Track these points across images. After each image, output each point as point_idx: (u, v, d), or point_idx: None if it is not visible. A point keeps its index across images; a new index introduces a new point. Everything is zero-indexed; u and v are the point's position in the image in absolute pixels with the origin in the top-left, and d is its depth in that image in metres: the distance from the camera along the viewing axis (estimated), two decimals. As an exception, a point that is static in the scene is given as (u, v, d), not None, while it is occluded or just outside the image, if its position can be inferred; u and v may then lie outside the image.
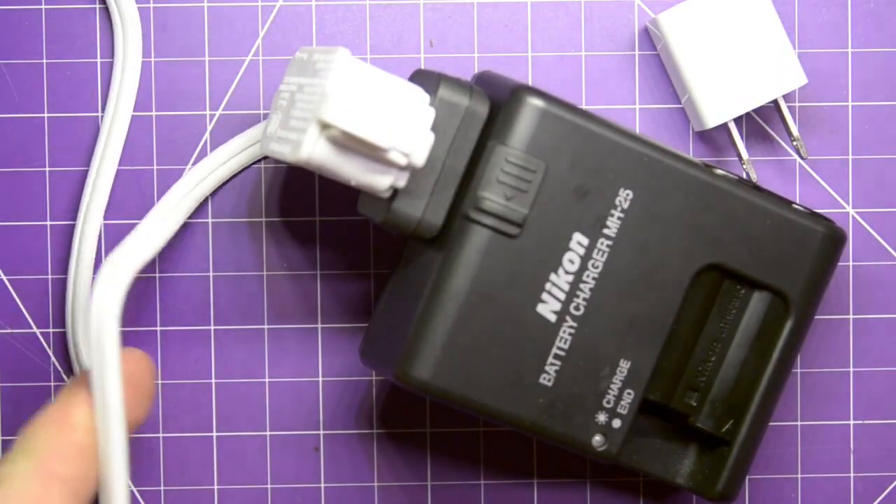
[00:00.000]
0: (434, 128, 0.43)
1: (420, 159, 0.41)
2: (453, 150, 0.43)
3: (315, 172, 0.41)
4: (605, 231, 0.44)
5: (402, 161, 0.41)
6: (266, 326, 0.49)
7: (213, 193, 0.49)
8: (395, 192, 0.43)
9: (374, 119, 0.40)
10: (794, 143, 0.49)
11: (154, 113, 0.49)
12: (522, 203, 0.43)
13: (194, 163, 0.49)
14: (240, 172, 0.49)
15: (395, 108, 0.41)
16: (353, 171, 0.41)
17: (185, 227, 0.49)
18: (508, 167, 0.43)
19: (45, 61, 0.49)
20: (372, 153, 0.40)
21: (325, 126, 0.40)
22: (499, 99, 0.44)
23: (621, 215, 0.44)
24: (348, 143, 0.40)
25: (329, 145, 0.41)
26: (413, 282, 0.45)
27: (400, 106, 0.41)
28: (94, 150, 0.49)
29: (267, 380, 0.50)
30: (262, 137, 0.45)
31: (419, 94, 0.41)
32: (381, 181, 0.41)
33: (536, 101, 0.43)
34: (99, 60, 0.49)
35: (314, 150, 0.41)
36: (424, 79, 0.44)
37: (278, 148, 0.43)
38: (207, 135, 0.49)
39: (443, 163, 0.43)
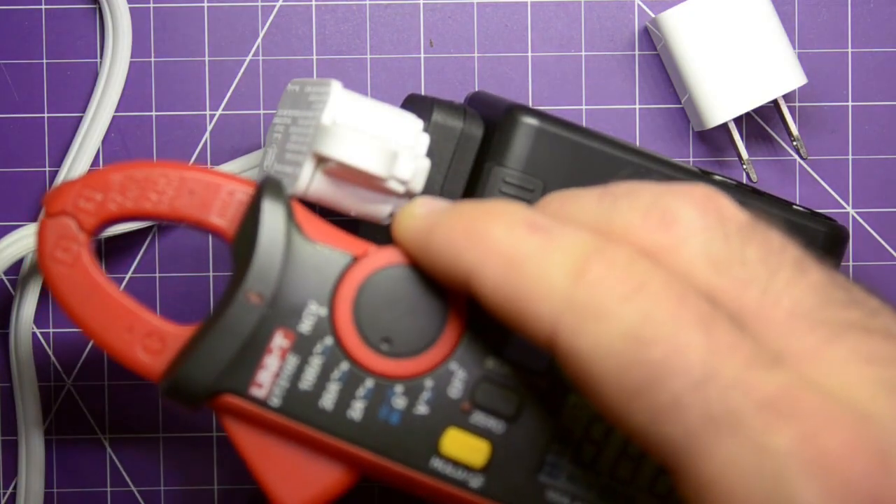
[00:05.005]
0: (430, 153, 0.43)
1: (418, 186, 0.41)
2: (451, 173, 0.44)
3: (314, 204, 0.41)
4: None
5: (401, 189, 0.41)
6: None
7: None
8: None
9: (369, 150, 0.40)
10: (794, 143, 0.49)
11: (154, 113, 0.49)
12: None
13: (194, 163, 0.49)
14: None
15: (390, 138, 0.41)
16: (352, 201, 0.41)
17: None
18: (506, 188, 0.43)
19: (45, 61, 0.49)
20: (370, 183, 0.40)
21: (321, 159, 0.40)
22: (493, 119, 0.44)
23: None
24: (345, 175, 0.40)
25: (326, 178, 0.41)
26: None
27: (395, 135, 0.41)
28: (69, 148, 0.49)
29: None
30: (258, 171, 0.46)
31: (413, 121, 0.41)
32: (381, 210, 0.41)
33: (530, 120, 0.43)
34: (99, 60, 0.49)
35: (311, 184, 0.41)
36: (417, 104, 0.44)
37: None
38: (207, 135, 0.49)
39: (441, 187, 0.43)
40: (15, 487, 0.49)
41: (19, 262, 0.48)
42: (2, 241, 0.47)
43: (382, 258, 0.37)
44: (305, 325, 0.36)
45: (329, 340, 0.36)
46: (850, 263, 0.50)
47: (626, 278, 0.32)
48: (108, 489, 0.49)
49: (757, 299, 0.33)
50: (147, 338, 0.37)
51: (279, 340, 0.36)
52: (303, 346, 0.36)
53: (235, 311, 0.36)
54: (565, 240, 0.33)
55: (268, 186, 0.37)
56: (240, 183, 0.38)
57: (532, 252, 0.33)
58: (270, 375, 0.36)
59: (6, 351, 0.49)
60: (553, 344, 0.33)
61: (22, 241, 0.47)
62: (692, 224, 0.34)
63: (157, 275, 0.49)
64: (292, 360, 0.36)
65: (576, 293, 0.32)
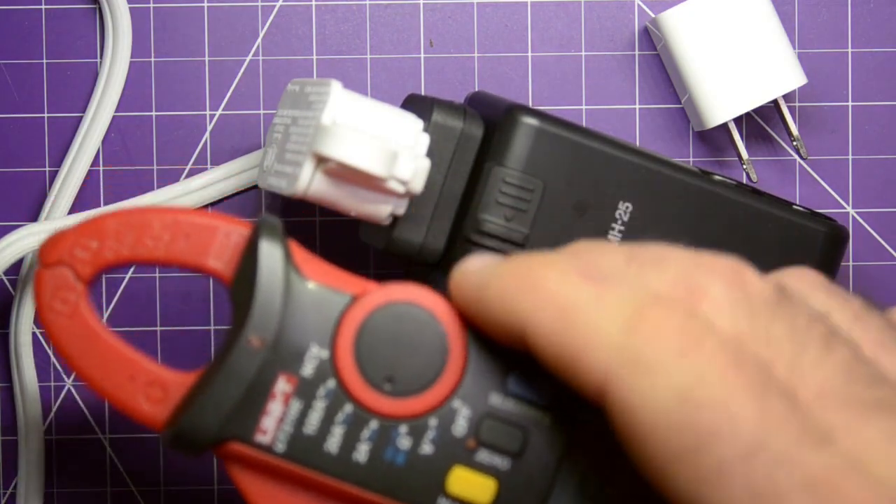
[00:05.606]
0: (430, 153, 0.43)
1: (418, 186, 0.41)
2: (451, 173, 0.44)
3: (314, 204, 0.41)
4: None
5: (401, 189, 0.41)
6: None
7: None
8: (396, 219, 0.43)
9: (369, 150, 0.40)
10: (794, 143, 0.49)
11: (154, 113, 0.49)
12: (523, 223, 0.43)
13: (194, 162, 0.49)
14: (233, 195, 0.49)
15: (390, 138, 0.41)
16: (352, 202, 0.41)
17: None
18: (507, 188, 0.43)
19: (45, 61, 0.49)
20: (369, 183, 0.40)
21: (321, 159, 0.40)
22: (493, 119, 0.44)
23: (622, 228, 0.44)
24: (345, 175, 0.40)
25: (326, 178, 0.41)
26: None
27: (395, 134, 0.41)
28: (69, 148, 0.49)
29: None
30: (258, 171, 0.46)
31: (413, 121, 0.41)
32: (381, 210, 0.41)
33: (530, 121, 0.43)
34: (99, 60, 0.49)
35: (311, 184, 0.41)
36: (417, 104, 0.44)
37: (275, 182, 0.43)
38: (207, 135, 0.49)
39: (441, 187, 0.43)
40: (15, 487, 0.49)
41: (19, 262, 0.48)
42: (2, 241, 0.47)
43: (380, 297, 0.37)
44: (307, 369, 0.36)
45: (332, 383, 0.36)
46: (850, 263, 0.50)
47: (682, 334, 0.32)
48: (108, 489, 0.49)
49: (784, 378, 0.32)
50: (149, 387, 0.37)
51: (282, 385, 0.36)
52: (306, 390, 0.36)
53: (237, 356, 0.36)
54: (621, 290, 0.33)
55: (264, 228, 0.37)
56: (235, 224, 0.37)
57: (587, 300, 0.33)
58: (274, 421, 0.36)
59: (6, 351, 0.49)
60: (603, 395, 0.32)
61: (22, 241, 0.47)
62: (719, 300, 0.33)
63: (157, 275, 0.49)
64: (296, 405, 0.36)
65: (630, 344, 0.32)
